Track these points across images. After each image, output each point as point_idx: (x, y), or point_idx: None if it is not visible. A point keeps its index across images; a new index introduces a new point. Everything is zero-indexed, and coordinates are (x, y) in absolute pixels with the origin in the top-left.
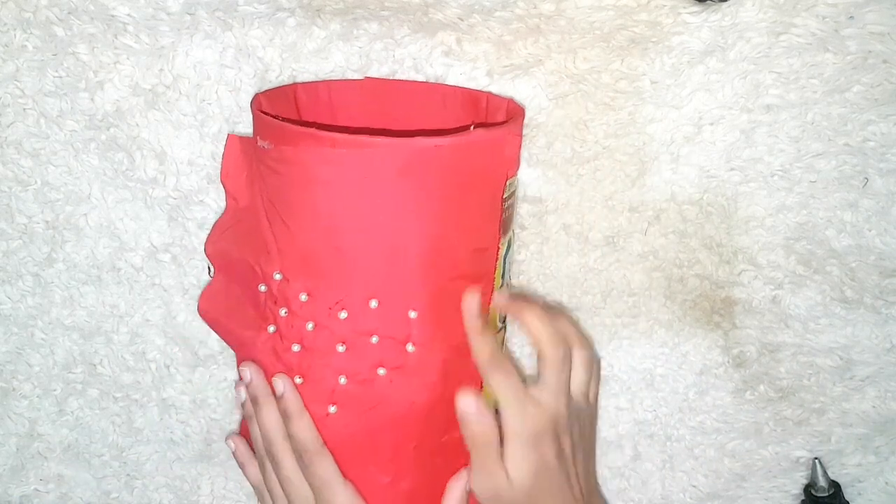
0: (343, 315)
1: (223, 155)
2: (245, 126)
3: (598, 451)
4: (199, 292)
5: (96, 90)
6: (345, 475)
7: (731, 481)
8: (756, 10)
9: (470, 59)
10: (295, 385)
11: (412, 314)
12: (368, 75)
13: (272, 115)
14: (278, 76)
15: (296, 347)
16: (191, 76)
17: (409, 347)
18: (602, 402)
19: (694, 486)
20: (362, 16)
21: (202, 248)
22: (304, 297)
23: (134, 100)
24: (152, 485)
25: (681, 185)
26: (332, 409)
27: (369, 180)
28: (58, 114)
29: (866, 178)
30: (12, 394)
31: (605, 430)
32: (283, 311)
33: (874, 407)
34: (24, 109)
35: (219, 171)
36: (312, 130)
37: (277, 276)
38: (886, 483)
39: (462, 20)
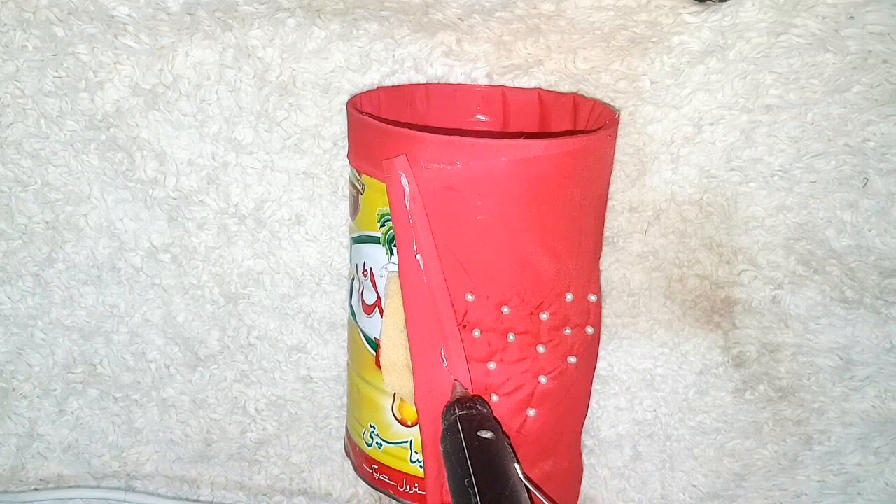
0: (545, 316)
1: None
2: (244, 126)
3: (599, 451)
4: (198, 292)
5: (96, 90)
6: (531, 470)
7: (731, 481)
8: (756, 10)
9: (470, 60)
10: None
11: (592, 298)
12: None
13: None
14: (278, 76)
15: (492, 365)
16: (191, 76)
17: (589, 330)
18: (602, 402)
19: (694, 486)
20: (362, 16)
21: (202, 248)
22: (506, 311)
23: (134, 100)
24: (152, 485)
25: (681, 185)
26: (532, 412)
27: (540, 182)
28: (58, 114)
29: (866, 178)
30: (12, 394)
31: (605, 430)
32: (476, 333)
33: (874, 407)
34: (24, 109)
35: (217, 171)
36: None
37: (470, 298)
38: (886, 483)
39: (462, 20)
